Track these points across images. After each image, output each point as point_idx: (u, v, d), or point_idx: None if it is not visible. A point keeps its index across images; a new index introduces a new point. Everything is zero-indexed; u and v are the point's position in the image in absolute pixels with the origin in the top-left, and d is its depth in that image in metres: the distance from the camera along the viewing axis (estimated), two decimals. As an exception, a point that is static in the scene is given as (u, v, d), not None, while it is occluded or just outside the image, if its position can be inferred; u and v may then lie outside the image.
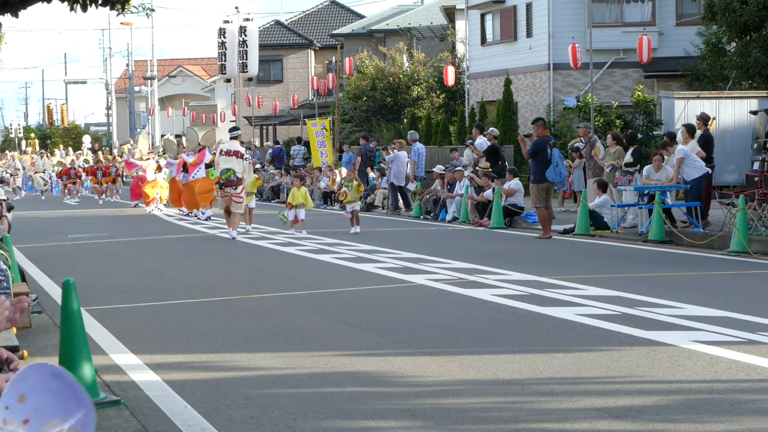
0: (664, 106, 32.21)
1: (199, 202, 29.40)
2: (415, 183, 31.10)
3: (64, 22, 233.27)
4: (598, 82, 37.01)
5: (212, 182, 26.96)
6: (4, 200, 15.63)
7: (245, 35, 36.96)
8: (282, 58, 68.37)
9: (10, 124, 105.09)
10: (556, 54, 38.24)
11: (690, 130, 21.07)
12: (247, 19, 37.43)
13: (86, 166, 46.79)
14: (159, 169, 33.83)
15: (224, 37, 38.13)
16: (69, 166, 47.37)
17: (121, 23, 68.79)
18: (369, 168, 35.62)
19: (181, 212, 31.68)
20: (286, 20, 72.21)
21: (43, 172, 50.67)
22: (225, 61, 38.69)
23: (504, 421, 6.99)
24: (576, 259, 17.41)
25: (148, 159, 36.21)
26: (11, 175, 50.73)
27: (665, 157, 21.43)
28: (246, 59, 37.09)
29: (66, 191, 46.57)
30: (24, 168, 52.54)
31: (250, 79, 39.85)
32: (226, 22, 38.40)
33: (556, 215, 25.38)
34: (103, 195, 42.85)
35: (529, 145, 21.42)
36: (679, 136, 21.58)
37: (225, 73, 39.61)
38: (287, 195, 39.17)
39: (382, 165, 33.13)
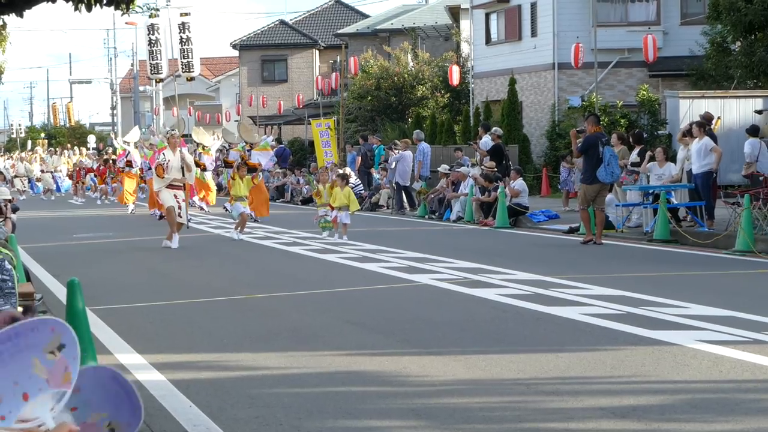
0: (669, 105, 32.20)
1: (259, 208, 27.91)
2: (419, 182, 31.09)
3: (68, 22, 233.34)
4: (602, 81, 36.98)
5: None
6: (10, 201, 15.65)
7: (188, 31, 35.88)
8: (286, 57, 68.38)
9: (11, 125, 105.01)
10: (560, 53, 38.20)
11: (701, 126, 20.90)
12: (186, 14, 36.16)
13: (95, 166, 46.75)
14: (204, 167, 31.95)
15: (157, 34, 37.19)
16: (78, 166, 47.44)
17: (126, 23, 68.86)
18: (372, 168, 35.64)
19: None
20: (291, 20, 72.24)
21: (60, 171, 50.64)
22: (160, 59, 37.74)
23: (509, 420, 6.99)
24: (581, 259, 17.40)
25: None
26: (16, 176, 50.81)
27: (683, 147, 21.37)
28: (191, 58, 36.13)
29: (74, 191, 46.67)
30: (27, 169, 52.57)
31: (191, 79, 39.02)
32: (153, 16, 36.96)
33: (560, 214, 25.38)
34: (108, 195, 42.77)
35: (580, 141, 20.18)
36: (679, 135, 21.55)
37: (160, 73, 38.58)
38: (291, 195, 39.37)
39: (384, 164, 33.08)
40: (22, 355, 3.15)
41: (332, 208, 21.83)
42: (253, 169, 26.37)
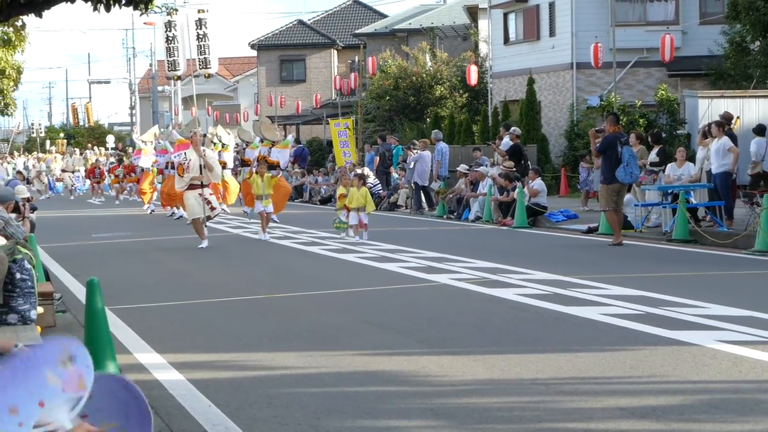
0: (688, 105, 32.10)
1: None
2: (438, 182, 31.07)
3: (87, 22, 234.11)
4: (621, 81, 36.90)
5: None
6: (28, 200, 15.69)
7: (205, 28, 35.96)
8: (305, 57, 68.44)
9: (31, 124, 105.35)
10: (579, 53, 38.13)
11: (721, 125, 20.83)
12: (202, 11, 36.35)
13: (111, 165, 46.94)
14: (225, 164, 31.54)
15: (174, 31, 37.27)
16: (94, 165, 47.64)
17: (144, 23, 68.99)
18: (390, 168, 35.63)
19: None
20: (309, 20, 72.32)
21: (72, 172, 50.85)
22: (177, 56, 37.84)
23: (527, 420, 6.98)
24: (600, 259, 17.36)
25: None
26: (36, 177, 51.05)
27: (702, 148, 21.30)
28: (208, 54, 36.16)
29: (92, 190, 46.87)
30: (48, 167, 52.83)
31: (209, 76, 39.02)
32: (172, 12, 37.06)
33: (579, 214, 25.33)
34: (124, 193, 42.88)
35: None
36: (699, 137, 21.47)
37: (177, 70, 38.68)
38: (309, 195, 39.37)
39: (402, 164, 33.03)
40: (36, 370, 3.39)
41: (348, 210, 21.67)
42: (272, 167, 26.34)
